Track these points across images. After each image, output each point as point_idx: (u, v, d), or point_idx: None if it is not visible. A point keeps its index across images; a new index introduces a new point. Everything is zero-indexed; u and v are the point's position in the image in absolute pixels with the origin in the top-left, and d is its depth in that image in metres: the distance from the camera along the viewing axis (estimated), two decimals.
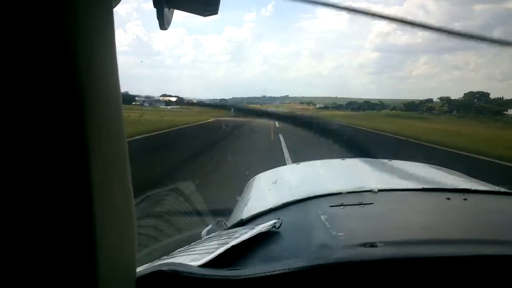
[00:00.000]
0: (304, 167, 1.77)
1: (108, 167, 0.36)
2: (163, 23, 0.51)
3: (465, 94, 63.99)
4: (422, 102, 69.34)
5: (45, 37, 0.30)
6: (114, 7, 0.42)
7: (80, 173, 0.32)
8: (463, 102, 62.22)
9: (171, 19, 0.53)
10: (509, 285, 0.50)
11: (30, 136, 0.30)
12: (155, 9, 0.50)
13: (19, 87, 0.30)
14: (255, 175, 1.76)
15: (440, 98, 66.17)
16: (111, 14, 0.38)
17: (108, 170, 0.36)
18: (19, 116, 0.30)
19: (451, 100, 64.72)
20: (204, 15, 0.55)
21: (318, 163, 1.89)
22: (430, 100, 69.45)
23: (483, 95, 63.50)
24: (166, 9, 0.51)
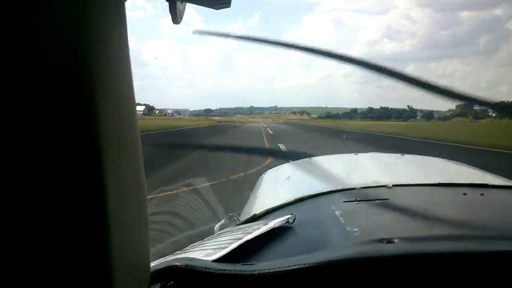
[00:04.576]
0: (317, 162, 1.76)
1: (122, 164, 0.36)
2: (176, 17, 0.50)
3: None
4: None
5: (57, 34, 0.30)
6: (125, 0, 0.41)
7: (93, 170, 0.32)
8: None
9: (184, 12, 0.53)
10: None
11: (44, 137, 0.30)
12: (167, 3, 0.50)
13: (33, 89, 0.30)
14: (267, 171, 1.76)
15: None
16: (123, 8, 0.37)
17: (122, 167, 0.36)
18: (32, 117, 0.30)
19: None
20: (217, 8, 0.54)
21: (331, 158, 1.87)
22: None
23: None
24: (178, 3, 0.50)
